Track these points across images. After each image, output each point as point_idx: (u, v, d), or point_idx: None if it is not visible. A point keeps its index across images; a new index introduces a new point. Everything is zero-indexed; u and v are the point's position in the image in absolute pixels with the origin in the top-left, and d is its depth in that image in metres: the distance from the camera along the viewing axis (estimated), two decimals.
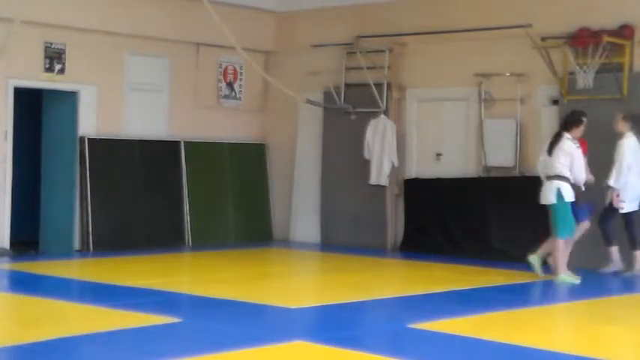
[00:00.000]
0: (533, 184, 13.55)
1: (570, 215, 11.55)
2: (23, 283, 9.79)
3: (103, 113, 14.27)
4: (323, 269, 13.61)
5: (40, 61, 13.60)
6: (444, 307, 9.66)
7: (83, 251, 13.80)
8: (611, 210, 12.19)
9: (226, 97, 15.97)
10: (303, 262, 14.26)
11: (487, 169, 14.08)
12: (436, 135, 14.73)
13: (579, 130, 11.72)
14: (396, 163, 14.83)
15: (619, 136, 12.17)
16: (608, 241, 12.28)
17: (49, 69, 13.70)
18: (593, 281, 11.94)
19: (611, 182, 12.06)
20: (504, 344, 7.83)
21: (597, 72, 12.82)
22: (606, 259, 12.31)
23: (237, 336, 7.96)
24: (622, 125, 12.14)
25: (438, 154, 14.70)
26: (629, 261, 12.23)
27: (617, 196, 12.06)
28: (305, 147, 15.93)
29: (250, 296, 9.99)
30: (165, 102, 15.14)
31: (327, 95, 15.26)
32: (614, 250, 12.29)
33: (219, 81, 15.88)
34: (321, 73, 15.32)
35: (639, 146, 12.19)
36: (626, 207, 12.13)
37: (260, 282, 11.46)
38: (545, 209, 11.78)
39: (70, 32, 13.78)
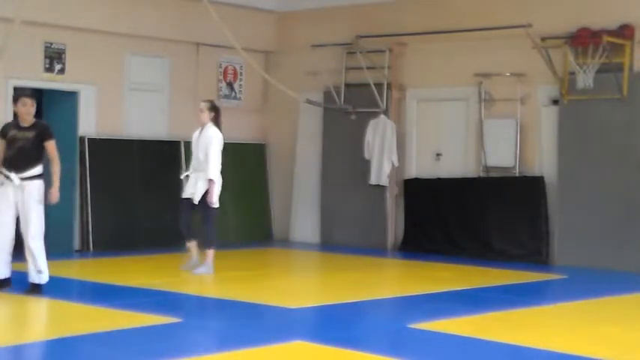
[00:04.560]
0: (533, 184, 13.59)
1: None
2: (23, 283, 9.79)
3: (103, 113, 14.27)
4: (323, 269, 13.61)
5: (40, 61, 13.60)
6: (444, 307, 9.66)
7: (83, 251, 13.80)
8: (194, 205, 11.57)
9: (226, 97, 15.97)
10: (303, 262, 14.26)
11: (487, 169, 14.08)
12: (436, 135, 14.73)
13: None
14: (396, 163, 14.83)
15: (201, 129, 11.60)
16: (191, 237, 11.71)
17: (49, 69, 13.70)
18: (594, 281, 11.95)
19: (213, 176, 11.44)
20: (504, 344, 7.83)
21: (597, 72, 12.81)
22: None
23: (237, 336, 7.96)
24: (208, 115, 11.60)
25: (438, 154, 14.71)
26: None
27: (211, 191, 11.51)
28: (305, 147, 15.93)
29: (250, 296, 10.00)
30: (166, 102, 15.13)
31: (327, 95, 15.26)
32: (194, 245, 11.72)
33: (219, 81, 15.88)
34: (321, 73, 15.31)
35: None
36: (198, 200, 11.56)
37: (260, 282, 11.45)
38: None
39: (70, 32, 13.78)
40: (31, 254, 9.79)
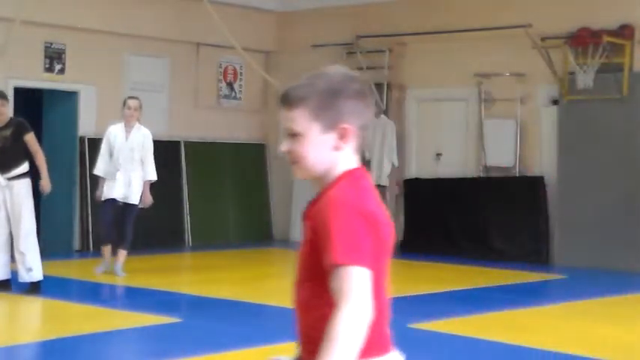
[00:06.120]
0: (533, 184, 13.59)
1: None
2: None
3: (102, 113, 14.26)
4: None
5: (40, 61, 13.60)
6: (444, 307, 9.66)
7: (83, 251, 13.80)
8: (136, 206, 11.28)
9: (226, 97, 15.97)
10: None
11: (487, 169, 14.08)
12: (436, 135, 14.73)
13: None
14: (396, 163, 14.83)
15: (128, 127, 11.21)
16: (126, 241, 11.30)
17: (49, 69, 13.70)
18: (594, 281, 11.95)
19: (154, 176, 11.25)
20: (504, 344, 7.83)
21: (597, 72, 12.82)
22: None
23: (237, 336, 7.96)
24: (139, 114, 11.30)
25: (438, 154, 14.70)
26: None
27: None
28: None
29: (250, 296, 10.00)
30: (166, 102, 15.13)
31: None
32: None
33: (219, 81, 15.88)
34: None
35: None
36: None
37: (260, 282, 11.46)
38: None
39: (70, 32, 13.78)
40: (21, 253, 9.72)
